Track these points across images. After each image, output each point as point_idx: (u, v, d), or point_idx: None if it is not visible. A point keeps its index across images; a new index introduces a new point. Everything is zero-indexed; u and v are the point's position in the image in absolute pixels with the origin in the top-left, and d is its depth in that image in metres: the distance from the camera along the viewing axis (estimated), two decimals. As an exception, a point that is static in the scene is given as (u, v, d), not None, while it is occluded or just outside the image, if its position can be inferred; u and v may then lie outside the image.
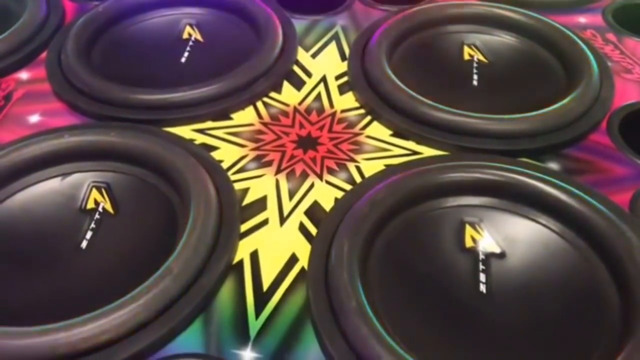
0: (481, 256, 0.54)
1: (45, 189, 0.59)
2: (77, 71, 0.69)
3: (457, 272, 0.53)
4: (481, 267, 0.54)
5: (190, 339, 0.46)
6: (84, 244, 0.56)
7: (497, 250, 0.55)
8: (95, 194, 0.59)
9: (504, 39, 0.77)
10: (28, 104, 0.68)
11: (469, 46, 0.78)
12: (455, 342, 0.48)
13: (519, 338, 0.49)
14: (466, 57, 0.77)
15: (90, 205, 0.59)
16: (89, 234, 0.56)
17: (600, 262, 0.51)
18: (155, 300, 0.46)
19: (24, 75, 0.72)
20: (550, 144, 0.62)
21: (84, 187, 0.60)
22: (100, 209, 0.58)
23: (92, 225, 0.57)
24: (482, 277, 0.53)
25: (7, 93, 0.69)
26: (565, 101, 0.65)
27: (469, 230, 0.56)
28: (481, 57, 0.77)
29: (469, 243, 0.55)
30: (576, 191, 0.54)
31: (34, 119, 0.66)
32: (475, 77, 0.75)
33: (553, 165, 0.61)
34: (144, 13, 0.81)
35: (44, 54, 0.74)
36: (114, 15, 0.79)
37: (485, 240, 0.55)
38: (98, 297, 0.47)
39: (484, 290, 0.52)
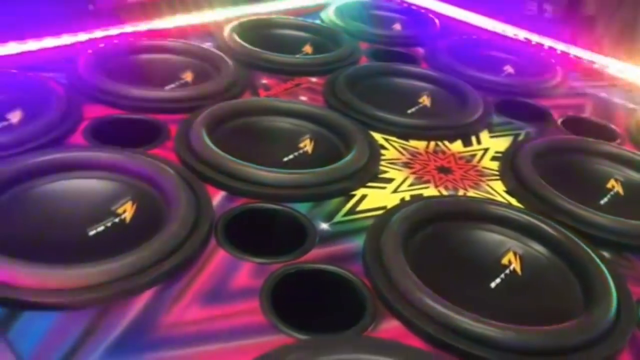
0: (508, 271, 0.75)
1: (276, 127, 0.97)
2: (341, 89, 1.08)
3: (482, 267, 0.75)
4: (502, 276, 0.74)
5: (303, 207, 0.78)
6: (285, 159, 0.92)
7: (519, 273, 0.75)
8: (307, 140, 0.95)
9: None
10: (307, 92, 1.10)
11: (616, 180, 0.96)
12: (450, 291, 0.69)
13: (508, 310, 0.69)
14: (609, 186, 0.96)
15: (303, 146, 0.95)
16: (290, 157, 0.93)
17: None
18: (299, 180, 0.80)
19: (313, 79, 1.15)
20: (617, 241, 0.79)
21: (303, 136, 0.96)
22: (303, 149, 0.94)
23: (291, 156, 0.93)
24: (498, 280, 0.74)
25: (298, 83, 1.13)
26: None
27: (510, 255, 0.77)
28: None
29: (504, 261, 0.76)
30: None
31: (303, 97, 1.07)
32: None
33: (606, 254, 0.77)
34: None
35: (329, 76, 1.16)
36: (381, 71, 1.19)
37: (516, 265, 0.75)
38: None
39: (492, 286, 0.73)
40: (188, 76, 1.08)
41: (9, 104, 0.91)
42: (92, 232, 0.70)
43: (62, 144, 0.83)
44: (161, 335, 0.58)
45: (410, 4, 1.70)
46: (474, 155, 0.97)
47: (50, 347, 0.55)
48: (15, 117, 0.89)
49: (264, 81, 1.12)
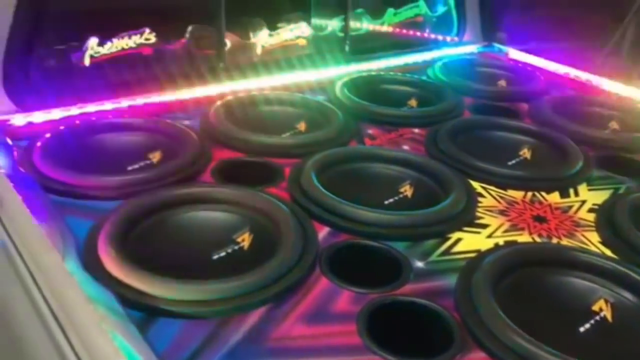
0: (598, 317, 0.77)
1: (379, 173, 1.05)
2: (442, 139, 1.15)
3: (572, 312, 0.78)
4: (592, 322, 0.77)
5: (400, 246, 0.85)
6: (386, 202, 1.00)
7: (610, 321, 0.77)
8: (407, 186, 1.03)
9: None
10: (404, 142, 1.18)
11: None
12: (537, 330, 0.72)
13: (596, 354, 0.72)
14: None
15: (403, 191, 1.02)
16: (390, 200, 1.00)
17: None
18: (397, 221, 0.87)
19: (416, 130, 1.23)
20: None
21: (404, 182, 1.04)
22: (403, 194, 1.02)
23: (391, 200, 1.00)
24: (588, 325, 0.76)
25: (401, 134, 1.21)
26: None
27: (601, 302, 0.79)
28: None
29: (596, 308, 0.79)
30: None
31: (405, 147, 1.16)
32: None
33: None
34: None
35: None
36: (483, 124, 1.25)
37: (607, 312, 0.78)
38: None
39: (581, 330, 0.76)
40: (302, 126, 1.20)
41: (150, 146, 1.06)
42: (215, 257, 0.81)
43: (193, 181, 0.96)
44: (270, 347, 0.67)
45: (517, 62, 1.75)
46: (570, 207, 1.00)
47: (178, 349, 0.66)
48: (155, 157, 1.04)
49: (370, 131, 1.21)
